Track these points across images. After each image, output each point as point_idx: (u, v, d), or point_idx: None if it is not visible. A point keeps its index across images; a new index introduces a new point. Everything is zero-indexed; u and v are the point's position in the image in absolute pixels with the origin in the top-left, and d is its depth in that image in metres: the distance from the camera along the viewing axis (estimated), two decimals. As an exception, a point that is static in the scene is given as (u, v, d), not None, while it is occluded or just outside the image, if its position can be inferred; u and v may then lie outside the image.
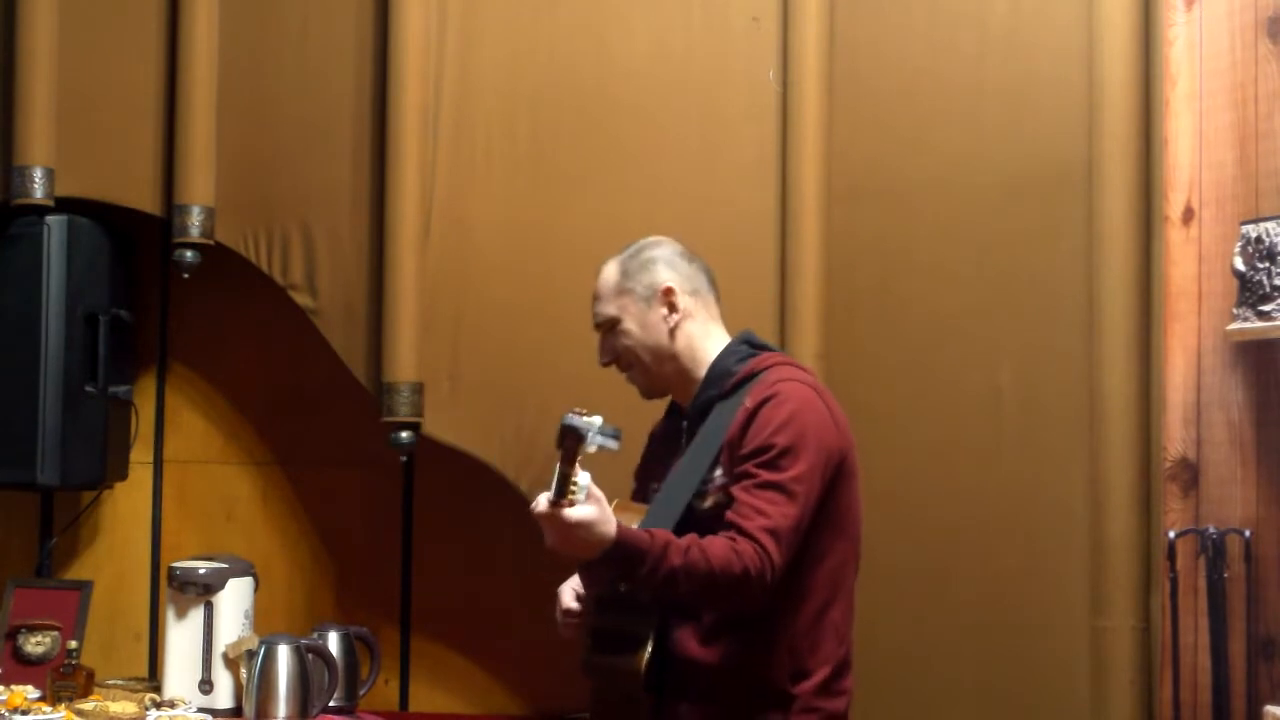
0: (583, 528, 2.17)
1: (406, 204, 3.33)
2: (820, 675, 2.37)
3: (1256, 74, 2.64)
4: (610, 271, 2.56)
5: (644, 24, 3.32)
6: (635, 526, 2.35)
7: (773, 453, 2.31)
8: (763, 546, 2.24)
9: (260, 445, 3.71)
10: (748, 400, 2.38)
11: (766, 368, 2.44)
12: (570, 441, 2.12)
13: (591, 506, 2.17)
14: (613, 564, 2.22)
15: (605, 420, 2.15)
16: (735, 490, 2.31)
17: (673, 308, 2.50)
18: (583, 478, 2.14)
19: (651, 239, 2.60)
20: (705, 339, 2.51)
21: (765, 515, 2.26)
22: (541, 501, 2.17)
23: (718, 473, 2.38)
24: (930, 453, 3.10)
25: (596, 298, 2.57)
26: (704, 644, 2.37)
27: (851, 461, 2.43)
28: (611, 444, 2.16)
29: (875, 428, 2.92)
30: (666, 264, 2.53)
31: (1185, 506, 2.69)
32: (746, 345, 2.51)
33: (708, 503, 2.37)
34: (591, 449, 2.14)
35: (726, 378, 2.45)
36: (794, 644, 2.36)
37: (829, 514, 2.38)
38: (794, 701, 2.35)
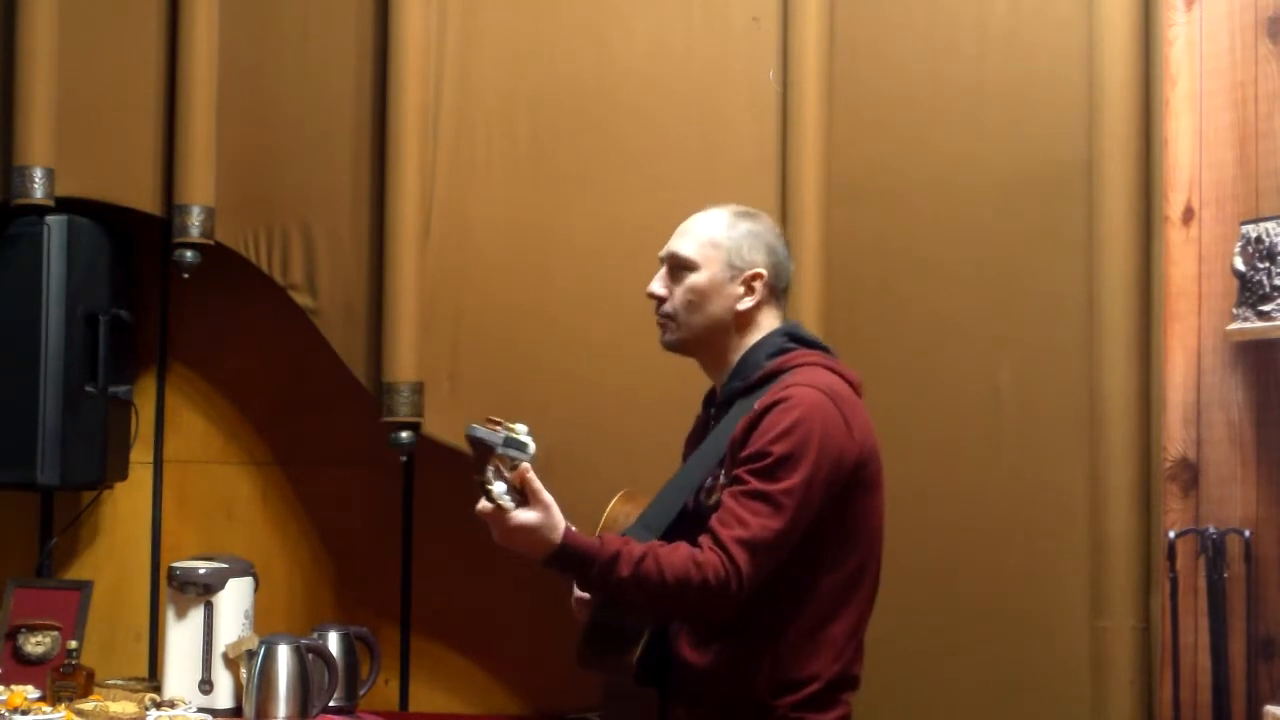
0: (525, 531, 2.17)
1: (406, 204, 3.33)
2: (809, 690, 2.30)
3: (1256, 74, 2.64)
4: (715, 219, 2.46)
5: (644, 24, 3.32)
6: (635, 517, 2.34)
7: (768, 460, 2.24)
8: (731, 558, 2.18)
9: (260, 445, 3.71)
10: (759, 402, 2.31)
11: (793, 367, 2.36)
12: (478, 450, 2.14)
13: (535, 512, 2.17)
14: (559, 568, 2.21)
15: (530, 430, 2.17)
16: (725, 495, 2.26)
17: (750, 292, 2.41)
18: (498, 486, 2.15)
19: (764, 214, 2.53)
20: (756, 330, 2.43)
21: (744, 525, 2.20)
22: (484, 501, 2.17)
23: (721, 471, 2.34)
24: (930, 453, 3.10)
25: (684, 232, 2.47)
26: (695, 647, 2.35)
27: (870, 473, 2.35)
28: (522, 456, 2.16)
29: (875, 427, 2.92)
30: (770, 249, 2.44)
31: (1185, 506, 2.69)
32: (785, 338, 2.42)
33: (712, 500, 2.32)
34: (500, 455, 2.15)
35: (752, 370, 2.38)
36: (782, 656, 2.30)
37: (837, 526, 2.30)
38: (772, 713, 2.30)
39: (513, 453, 2.14)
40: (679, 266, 2.44)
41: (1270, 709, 2.52)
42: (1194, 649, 2.64)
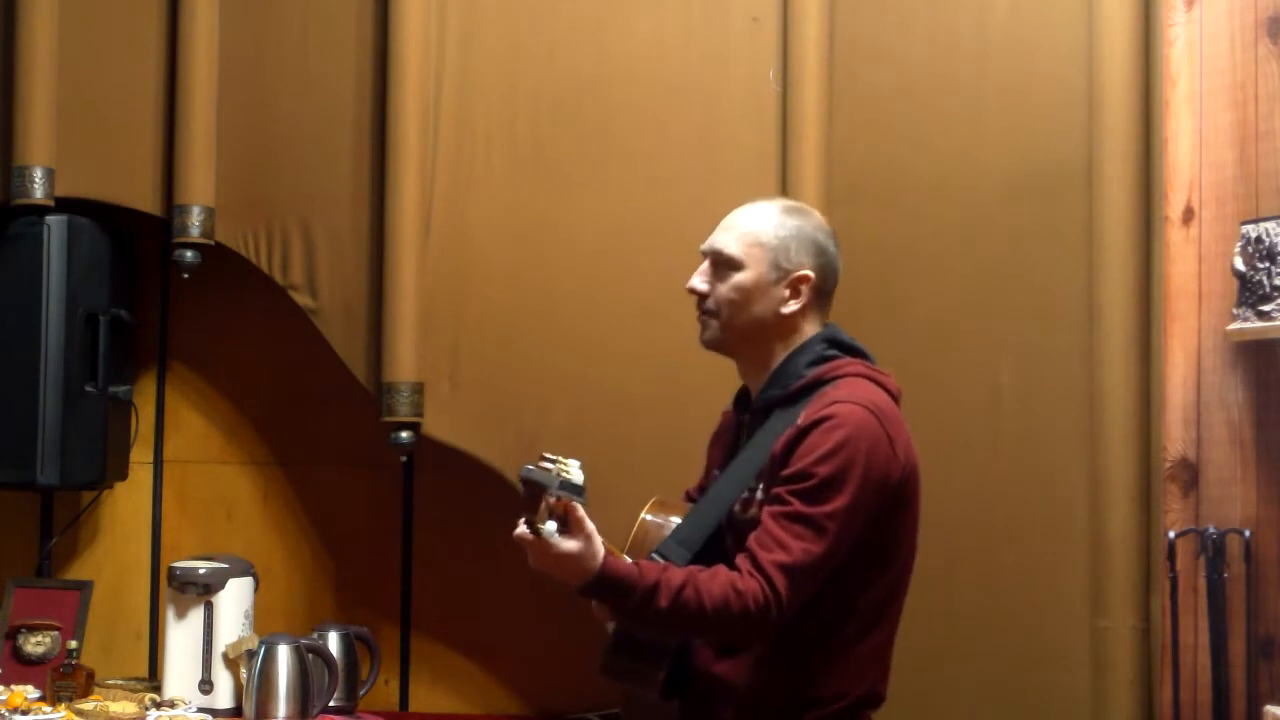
0: (566, 558, 2.09)
1: (406, 204, 3.33)
2: (834, 707, 2.23)
3: (1256, 74, 2.64)
4: (762, 214, 2.32)
5: (644, 24, 3.32)
6: (671, 526, 2.28)
7: (812, 482, 2.14)
8: (771, 584, 2.10)
9: (260, 445, 3.71)
10: (800, 417, 2.20)
11: (834, 377, 2.25)
12: (530, 490, 2.07)
13: (576, 541, 2.08)
14: (595, 596, 2.14)
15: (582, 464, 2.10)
16: (765, 515, 2.16)
17: (796, 295, 2.29)
18: (549, 526, 2.07)
19: (814, 211, 2.40)
20: (799, 335, 2.31)
21: (785, 550, 2.12)
22: (524, 527, 2.09)
23: (761, 486, 2.25)
24: (930, 453, 3.08)
25: (728, 227, 2.33)
26: (719, 660, 2.29)
27: (910, 489, 2.28)
28: (577, 499, 2.09)
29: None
30: (818, 249, 2.31)
31: (1185, 506, 2.69)
32: (825, 344, 2.31)
33: (750, 513, 2.25)
34: (552, 500, 2.07)
35: (791, 380, 2.27)
36: (808, 673, 2.23)
37: (876, 547, 2.23)
38: None
39: (567, 495, 2.07)
40: (722, 264, 2.31)
41: (1270, 709, 2.52)
42: (1194, 649, 2.64)
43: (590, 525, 2.11)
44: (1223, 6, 2.70)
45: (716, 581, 2.12)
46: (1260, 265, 2.58)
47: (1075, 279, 3.03)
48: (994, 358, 3.10)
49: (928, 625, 3.06)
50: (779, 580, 2.11)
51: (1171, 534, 2.69)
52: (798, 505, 2.14)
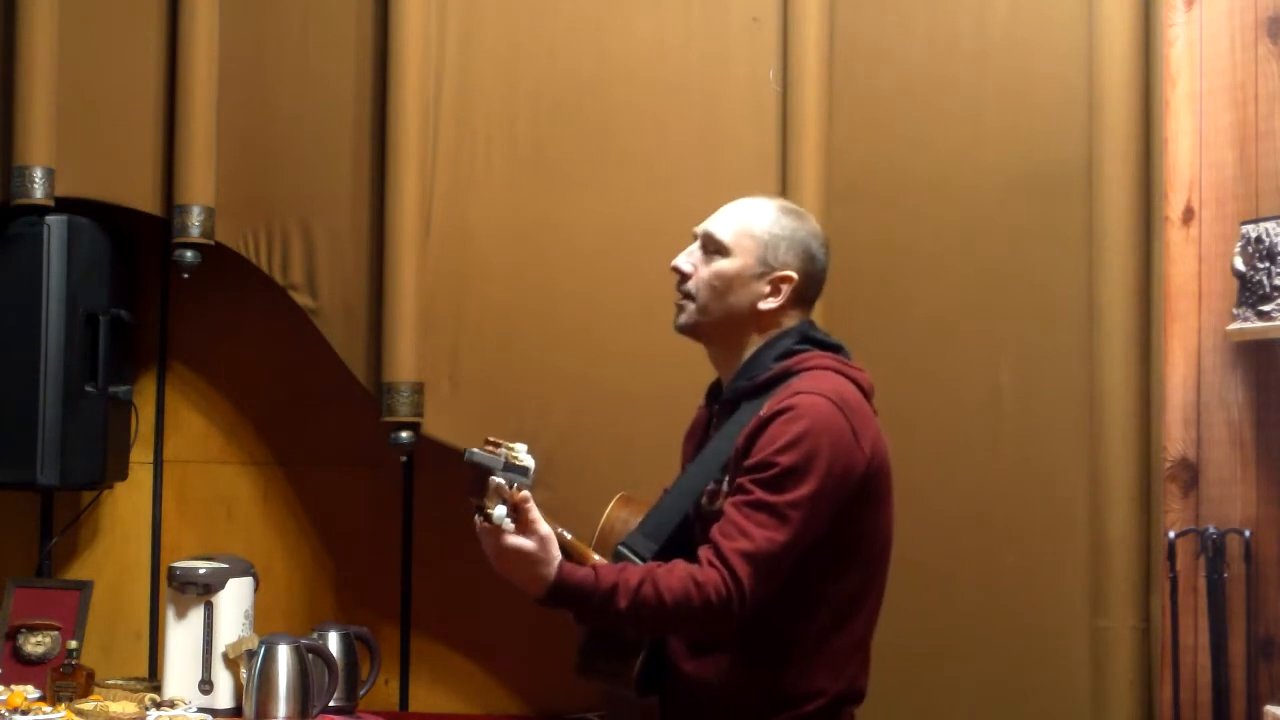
0: (519, 555, 2.12)
1: (406, 204, 3.33)
2: (812, 705, 2.23)
3: (1256, 74, 2.64)
4: (759, 209, 2.35)
5: (644, 24, 3.32)
6: (633, 523, 2.30)
7: (774, 471, 2.15)
8: (733, 572, 2.10)
9: (260, 445, 3.71)
10: (764, 408, 2.21)
11: (801, 370, 2.26)
12: (477, 474, 2.09)
13: (531, 541, 2.11)
14: (555, 604, 2.15)
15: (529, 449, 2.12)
16: (727, 505, 2.17)
17: (776, 293, 2.31)
18: (499, 511, 2.09)
19: (811, 217, 2.41)
20: (773, 331, 2.33)
21: (748, 538, 2.12)
22: (478, 516, 2.12)
23: (727, 478, 2.26)
24: (930, 453, 3.10)
25: (724, 214, 2.36)
26: (692, 658, 2.29)
27: (879, 484, 2.26)
28: (523, 480, 2.11)
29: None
30: (808, 255, 2.33)
31: (1185, 506, 2.69)
32: (797, 339, 2.32)
33: (716, 505, 2.25)
34: (499, 481, 2.10)
35: (759, 371, 2.29)
36: (783, 671, 2.23)
37: (842, 540, 2.22)
38: None
39: (512, 476, 2.10)
40: (711, 248, 2.34)
41: (1270, 709, 2.52)
42: (1194, 649, 2.64)
43: (544, 527, 2.12)
44: (1223, 6, 2.70)
45: (675, 575, 2.12)
46: (1260, 265, 2.58)
47: (1075, 279, 3.03)
48: (994, 358, 3.10)
49: (928, 625, 3.07)
50: (740, 568, 2.11)
51: (1171, 534, 2.69)
52: (760, 494, 2.15)
